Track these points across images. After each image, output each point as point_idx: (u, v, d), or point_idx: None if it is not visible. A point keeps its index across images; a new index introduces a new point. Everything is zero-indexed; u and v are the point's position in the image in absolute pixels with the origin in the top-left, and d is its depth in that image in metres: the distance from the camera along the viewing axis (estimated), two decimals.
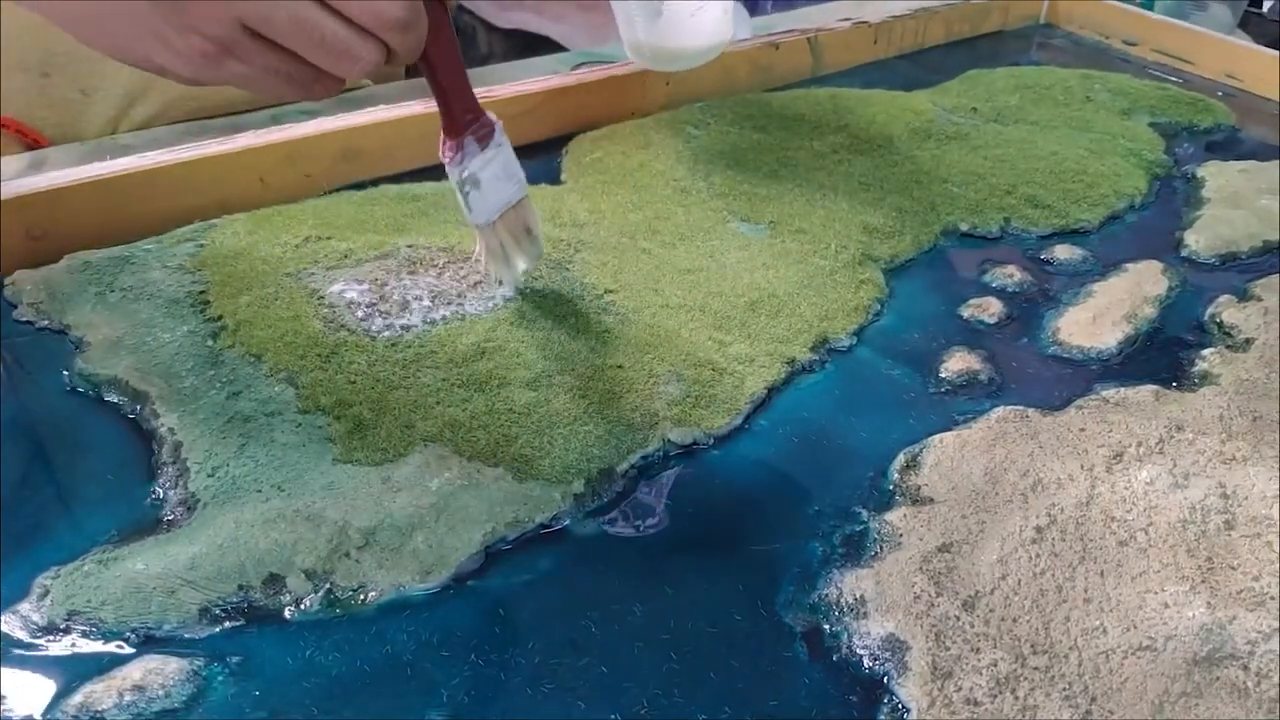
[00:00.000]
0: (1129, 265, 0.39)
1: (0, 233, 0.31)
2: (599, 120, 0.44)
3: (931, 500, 0.26)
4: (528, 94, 0.42)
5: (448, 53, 0.24)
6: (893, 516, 0.26)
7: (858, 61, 0.55)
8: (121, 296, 0.30)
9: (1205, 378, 0.32)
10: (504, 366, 0.28)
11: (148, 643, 0.21)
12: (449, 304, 0.31)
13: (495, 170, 0.25)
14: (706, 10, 0.38)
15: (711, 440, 0.28)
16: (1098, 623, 0.23)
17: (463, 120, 0.25)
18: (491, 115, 0.25)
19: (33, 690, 0.20)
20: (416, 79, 0.50)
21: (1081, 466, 0.27)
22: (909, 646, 0.22)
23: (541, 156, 0.42)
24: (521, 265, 0.29)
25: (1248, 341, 0.34)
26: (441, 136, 0.26)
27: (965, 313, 0.35)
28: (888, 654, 0.22)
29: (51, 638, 0.21)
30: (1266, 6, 0.72)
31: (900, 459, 0.28)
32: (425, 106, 0.40)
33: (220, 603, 0.22)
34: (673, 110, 0.45)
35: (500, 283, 0.29)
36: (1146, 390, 0.31)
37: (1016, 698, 0.21)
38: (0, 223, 0.31)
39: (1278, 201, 0.43)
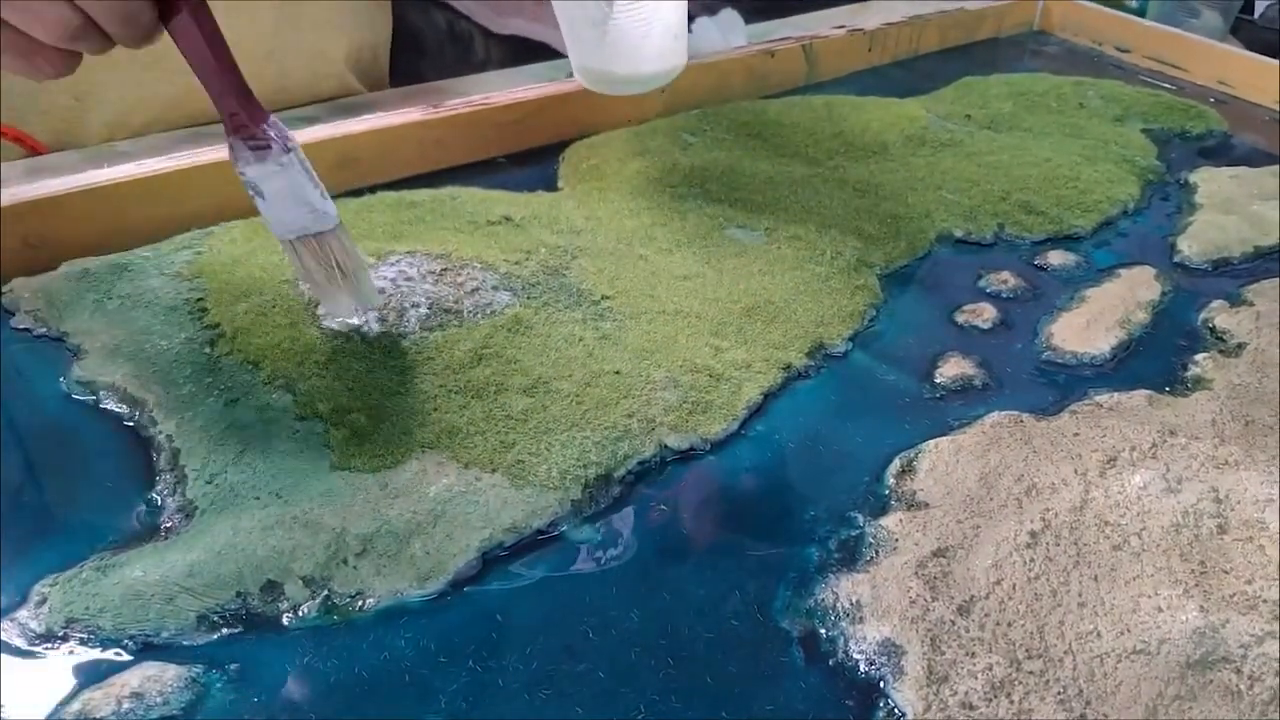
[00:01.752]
0: (1122, 271, 0.39)
1: None
2: (595, 127, 0.44)
3: (927, 505, 0.26)
4: (524, 101, 0.42)
5: (200, 47, 0.23)
6: (888, 521, 0.26)
7: (853, 69, 0.55)
8: (119, 304, 0.30)
9: (1198, 382, 0.32)
10: (501, 373, 0.29)
11: (146, 650, 0.21)
12: (446, 310, 0.31)
13: (279, 187, 0.24)
14: (655, 36, 0.36)
15: (708, 446, 0.28)
16: (1092, 627, 0.23)
17: (229, 120, 0.24)
18: (277, 130, 0.24)
19: (31, 698, 0.20)
20: (411, 86, 0.50)
21: (1075, 471, 0.27)
22: (905, 651, 0.22)
23: (538, 163, 0.42)
24: (339, 301, 0.26)
25: (1240, 346, 0.34)
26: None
27: (960, 318, 0.36)
28: (883, 658, 0.22)
29: (50, 645, 0.21)
30: (1258, 13, 0.73)
31: (896, 464, 0.28)
32: (423, 114, 0.40)
33: (218, 610, 0.22)
34: (669, 117, 0.46)
35: (322, 310, 0.27)
36: (1140, 395, 0.31)
37: (1011, 702, 0.21)
38: None
39: (1269, 207, 0.44)
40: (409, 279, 0.32)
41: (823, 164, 0.43)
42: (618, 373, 0.29)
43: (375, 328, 0.30)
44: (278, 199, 0.24)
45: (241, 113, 0.24)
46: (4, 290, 0.31)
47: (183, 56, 0.23)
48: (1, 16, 0.23)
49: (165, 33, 0.24)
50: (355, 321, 0.27)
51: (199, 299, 0.31)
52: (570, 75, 0.47)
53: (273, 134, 0.24)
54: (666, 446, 0.28)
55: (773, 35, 0.53)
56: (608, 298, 0.33)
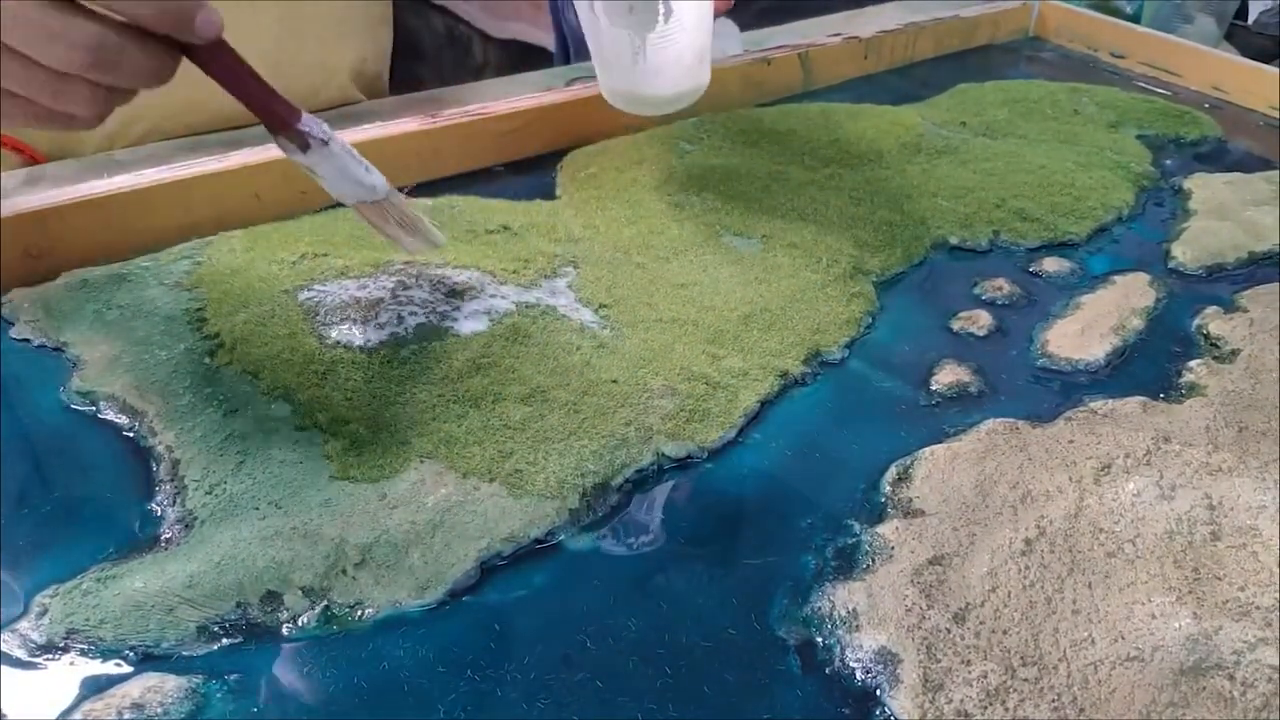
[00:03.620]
0: (1117, 277, 0.39)
1: None
2: (593, 136, 0.44)
3: (923, 512, 0.26)
4: (522, 110, 0.43)
5: (224, 75, 0.26)
6: (884, 529, 0.26)
7: (848, 76, 0.56)
8: (119, 314, 0.30)
9: (1192, 389, 0.33)
10: (499, 382, 0.29)
11: (146, 660, 0.21)
12: (444, 320, 0.31)
13: (329, 170, 0.28)
14: (684, 59, 0.37)
15: (705, 454, 0.28)
16: (1086, 634, 0.23)
17: (270, 126, 0.27)
18: (311, 126, 0.27)
19: (32, 709, 0.20)
20: (409, 95, 0.50)
21: (1070, 478, 0.27)
22: (900, 659, 0.22)
23: (536, 172, 0.43)
24: (409, 244, 0.30)
25: (1234, 353, 0.34)
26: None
27: (955, 325, 0.36)
28: (880, 666, 0.22)
29: (51, 656, 0.21)
30: (1252, 19, 0.73)
31: (892, 471, 0.28)
32: (420, 124, 0.40)
33: (218, 620, 0.22)
34: (666, 126, 0.46)
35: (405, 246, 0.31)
36: (1134, 402, 0.31)
37: (1006, 709, 0.21)
38: None
39: (1264, 213, 0.44)
40: (407, 288, 0.32)
41: (819, 171, 0.44)
42: (615, 381, 0.29)
43: (373, 338, 0.30)
44: (331, 178, 0.28)
45: (277, 118, 0.27)
46: (4, 300, 0.31)
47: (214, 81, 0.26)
48: (15, 47, 0.23)
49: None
50: (424, 251, 0.31)
51: (198, 309, 0.31)
52: (568, 84, 0.47)
53: (308, 130, 0.27)
54: (664, 454, 0.28)
55: (769, 43, 0.54)
56: (605, 306, 0.33)
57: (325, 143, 0.27)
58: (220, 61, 0.26)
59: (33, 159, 0.42)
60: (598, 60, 0.39)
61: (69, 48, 0.23)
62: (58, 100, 0.24)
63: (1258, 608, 0.24)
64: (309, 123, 0.27)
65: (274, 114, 0.27)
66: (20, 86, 0.24)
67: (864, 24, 0.58)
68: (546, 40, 0.91)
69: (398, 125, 0.40)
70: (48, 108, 0.24)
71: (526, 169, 0.43)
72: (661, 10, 0.35)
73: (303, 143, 0.27)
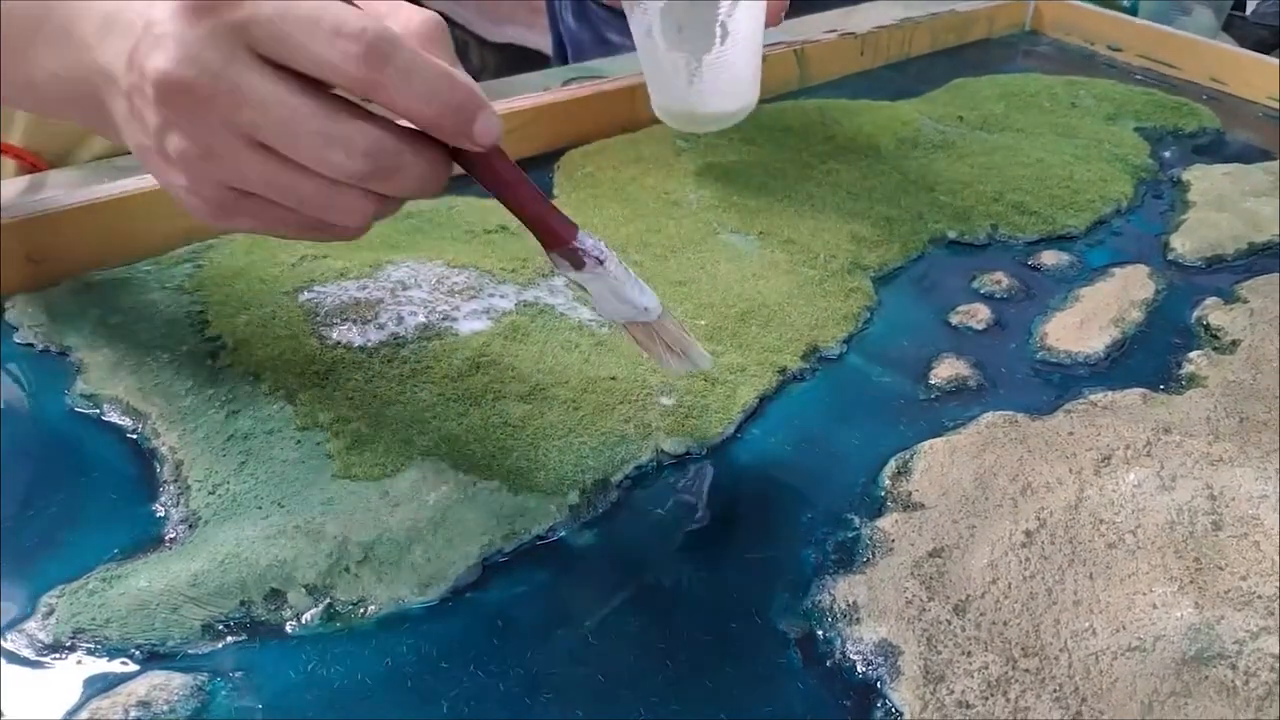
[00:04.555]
0: (1115, 270, 0.39)
1: (0, 257, 0.32)
2: (590, 135, 0.45)
3: (922, 506, 0.27)
4: (519, 110, 0.43)
5: (498, 188, 0.24)
6: (884, 523, 0.26)
7: (844, 72, 0.56)
8: (121, 318, 0.31)
9: (1192, 380, 0.33)
10: (498, 380, 0.29)
11: (152, 659, 0.21)
12: (444, 320, 0.31)
13: (600, 289, 0.26)
14: (738, 78, 0.38)
15: (705, 450, 0.28)
16: (1087, 624, 0.23)
17: (545, 242, 0.25)
18: (590, 244, 0.25)
19: (39, 707, 0.20)
20: None
21: (1070, 470, 0.27)
22: (901, 651, 0.22)
23: (533, 172, 0.42)
24: (673, 366, 0.28)
25: (1234, 343, 0.34)
26: None
27: (954, 319, 0.36)
28: (880, 659, 0.22)
29: (57, 655, 0.21)
30: (1249, 10, 0.73)
31: (891, 465, 0.28)
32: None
33: (223, 618, 0.22)
34: (662, 125, 0.46)
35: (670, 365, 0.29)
36: (1134, 393, 0.31)
37: (1008, 700, 0.21)
38: (0, 247, 0.32)
39: (1263, 203, 0.44)
40: (407, 288, 0.32)
41: (816, 168, 0.44)
42: (614, 379, 0.30)
43: (373, 338, 0.30)
44: (600, 297, 0.26)
45: (552, 234, 0.25)
46: (7, 306, 0.31)
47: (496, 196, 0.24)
48: (308, 214, 0.21)
49: None
50: (687, 374, 0.30)
51: (200, 312, 0.31)
52: (565, 84, 0.47)
53: (584, 247, 0.25)
54: (663, 451, 0.28)
55: (764, 40, 0.54)
56: None
57: (601, 261, 0.25)
58: (494, 169, 0.23)
59: (34, 166, 0.43)
60: (652, 80, 0.39)
61: (348, 155, 0.20)
62: (327, 211, 0.22)
63: (1260, 597, 0.24)
64: (584, 239, 0.25)
65: (550, 229, 0.24)
66: (287, 197, 0.21)
67: (860, 20, 0.58)
68: (543, 43, 0.92)
69: None
70: (315, 218, 0.22)
71: (524, 169, 0.42)
72: (718, 32, 0.36)
73: (578, 261, 0.25)
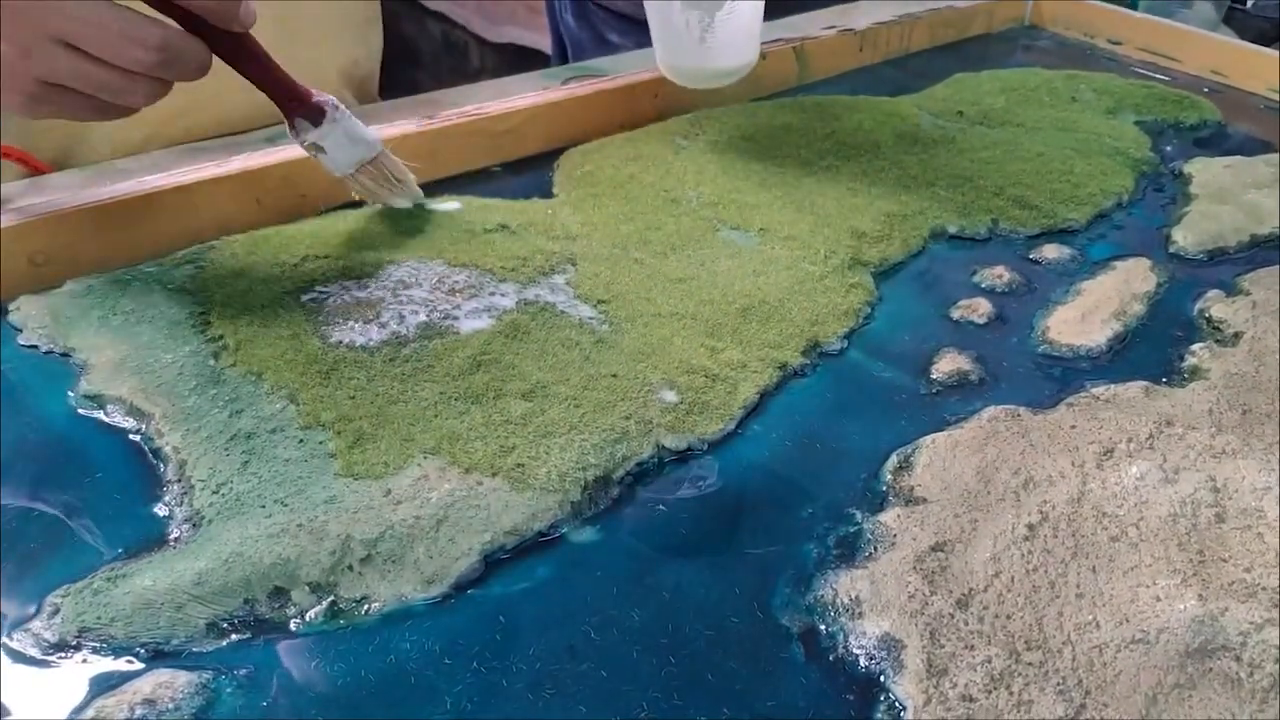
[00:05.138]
0: (1117, 263, 0.39)
1: (2, 259, 0.32)
2: (589, 134, 0.45)
3: (924, 500, 0.27)
4: (518, 110, 0.43)
5: (251, 59, 0.31)
6: (886, 517, 0.26)
7: (843, 69, 0.56)
8: (124, 319, 0.31)
9: (1194, 373, 0.33)
10: (500, 378, 0.29)
11: (157, 657, 0.21)
12: (445, 318, 0.31)
13: (336, 138, 0.33)
14: (744, 34, 0.41)
15: (706, 446, 0.28)
16: (1090, 617, 0.23)
17: (289, 107, 0.32)
18: (324, 97, 0.32)
19: (46, 706, 0.20)
20: (406, 98, 0.50)
21: (1072, 463, 0.27)
22: (904, 645, 0.22)
23: (533, 171, 0.43)
24: (396, 202, 0.36)
25: (1236, 336, 0.34)
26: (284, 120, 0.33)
27: (955, 314, 0.36)
28: (883, 653, 0.22)
29: (63, 654, 0.21)
30: (1250, 2, 0.73)
31: (893, 460, 0.28)
32: (417, 126, 0.41)
33: (227, 617, 0.22)
34: (661, 122, 0.46)
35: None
36: (1136, 386, 0.31)
37: (1011, 693, 0.21)
38: (2, 249, 0.32)
39: (1264, 195, 0.44)
40: (407, 288, 0.32)
41: (815, 164, 0.44)
42: (615, 376, 0.30)
43: (375, 337, 0.30)
44: (337, 147, 0.33)
45: (297, 96, 0.31)
46: (10, 308, 0.31)
47: (243, 73, 0.31)
48: (103, 99, 0.27)
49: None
50: (407, 205, 0.37)
51: (202, 312, 0.31)
52: (564, 83, 0.48)
53: (321, 100, 0.32)
54: (664, 447, 0.28)
55: (763, 37, 0.54)
56: (604, 302, 0.33)
57: (337, 107, 0.32)
58: (247, 49, 0.30)
59: (36, 169, 0.43)
60: (661, 38, 0.42)
61: (144, 50, 0.26)
62: (120, 96, 0.27)
63: (1264, 589, 0.23)
64: (319, 94, 0.32)
65: (295, 92, 0.31)
66: (88, 85, 0.27)
67: (858, 16, 0.58)
68: (543, 43, 0.92)
69: (395, 127, 0.40)
70: (108, 102, 0.28)
71: (523, 168, 0.43)
72: None
73: (317, 115, 0.31)
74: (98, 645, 0.21)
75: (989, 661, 0.22)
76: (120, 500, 0.25)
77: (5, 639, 0.21)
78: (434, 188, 0.39)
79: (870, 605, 0.23)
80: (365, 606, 0.23)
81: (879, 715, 0.21)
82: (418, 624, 0.23)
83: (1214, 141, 0.51)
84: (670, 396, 0.29)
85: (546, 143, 0.44)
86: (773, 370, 0.31)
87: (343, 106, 0.32)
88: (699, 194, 0.41)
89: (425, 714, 0.21)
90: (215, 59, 0.30)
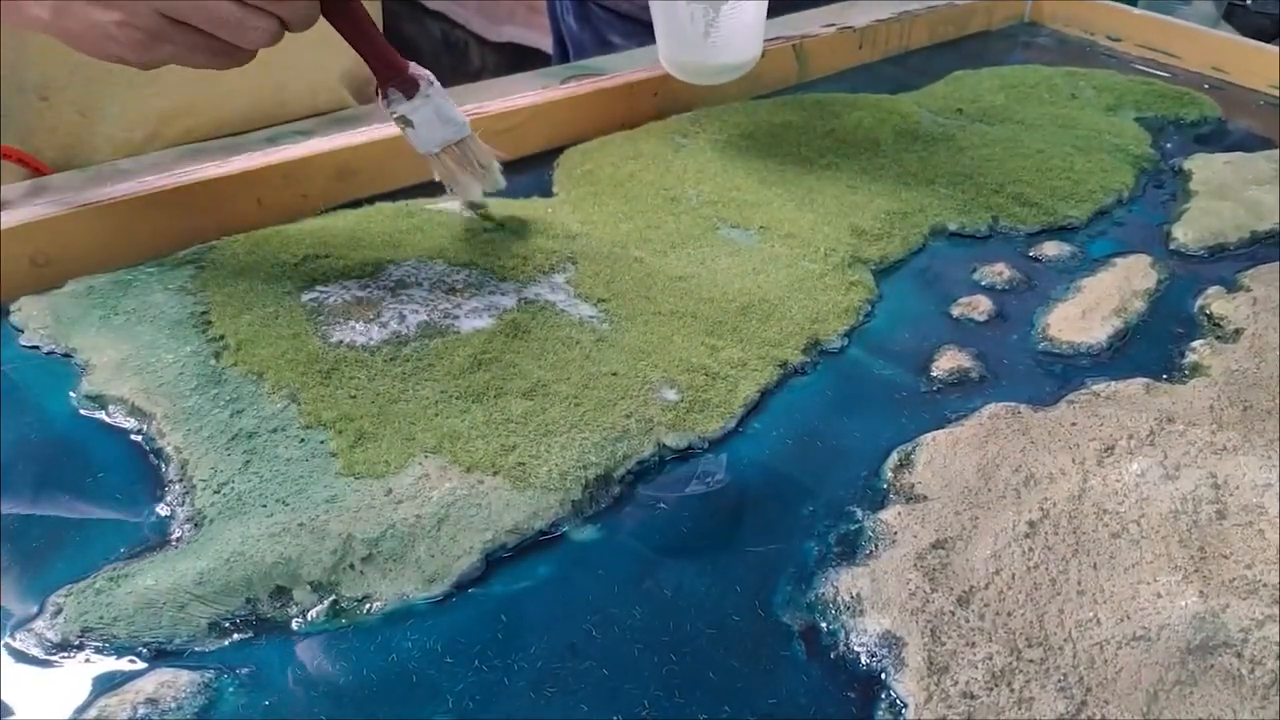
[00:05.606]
0: (1117, 260, 0.39)
1: (3, 260, 0.32)
2: (589, 132, 0.45)
3: (925, 498, 0.27)
4: (518, 108, 0.43)
5: (355, 23, 0.30)
6: (887, 515, 0.26)
7: (843, 67, 0.56)
8: (125, 319, 0.31)
9: (1195, 369, 0.33)
10: (500, 377, 0.29)
11: (159, 657, 0.21)
12: (445, 318, 0.31)
13: (426, 115, 0.32)
14: (748, 29, 0.42)
15: (706, 444, 0.28)
16: (1091, 614, 0.23)
17: (384, 75, 0.31)
18: (420, 71, 0.31)
19: (48, 705, 0.20)
20: None
21: (1073, 460, 0.27)
22: (905, 642, 0.22)
23: (533, 170, 0.43)
24: (476, 188, 0.34)
25: (1237, 332, 0.34)
26: (375, 87, 0.32)
27: (955, 311, 0.36)
28: (884, 650, 0.22)
29: (65, 654, 0.21)
30: None
31: (893, 458, 0.28)
32: None
33: (229, 616, 0.22)
34: (661, 121, 0.46)
35: (467, 201, 0.35)
36: (1137, 383, 0.31)
37: (1012, 690, 0.21)
38: (3, 250, 0.32)
39: (1265, 192, 0.44)
40: (408, 287, 0.33)
41: (815, 162, 0.44)
42: (615, 374, 0.30)
43: (376, 337, 0.30)
44: (426, 123, 0.32)
45: (394, 65, 0.30)
46: (12, 309, 0.32)
47: (341, 34, 0.30)
48: (221, 37, 0.28)
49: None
50: (483, 198, 0.36)
51: (203, 312, 0.31)
52: (563, 82, 0.48)
53: (416, 72, 0.31)
54: (665, 446, 0.28)
55: (764, 36, 0.53)
56: (604, 300, 0.33)
57: (431, 82, 0.31)
58: (352, 10, 0.30)
59: (37, 170, 0.43)
60: (665, 33, 0.42)
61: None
62: (238, 34, 0.28)
63: (1265, 585, 0.24)
64: (414, 67, 0.31)
65: (391, 61, 0.30)
66: (208, 20, 0.27)
67: (858, 14, 0.58)
68: (543, 43, 0.92)
69: (395, 127, 0.40)
70: (226, 42, 0.28)
71: (523, 167, 0.43)
72: None
73: (411, 87, 0.30)
74: (100, 645, 0.21)
75: (990, 659, 0.22)
76: (122, 500, 0.25)
77: (8, 639, 0.22)
78: (437, 186, 0.39)
79: (871, 603, 0.23)
80: (367, 605, 0.23)
81: (880, 713, 0.21)
82: (419, 623, 0.23)
83: (1214, 138, 0.51)
84: (671, 395, 0.29)
85: (546, 141, 0.44)
86: (773, 368, 0.31)
87: (437, 83, 0.31)
88: (699, 192, 0.41)
89: (427, 712, 0.21)
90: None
